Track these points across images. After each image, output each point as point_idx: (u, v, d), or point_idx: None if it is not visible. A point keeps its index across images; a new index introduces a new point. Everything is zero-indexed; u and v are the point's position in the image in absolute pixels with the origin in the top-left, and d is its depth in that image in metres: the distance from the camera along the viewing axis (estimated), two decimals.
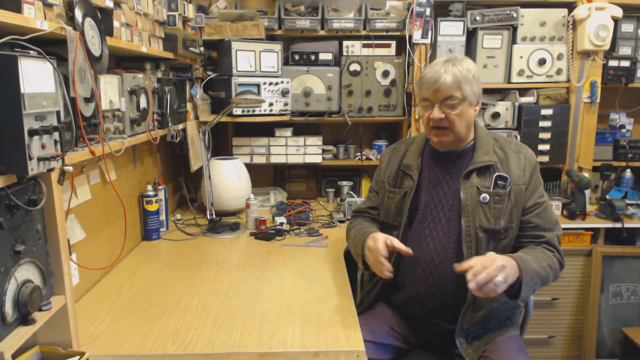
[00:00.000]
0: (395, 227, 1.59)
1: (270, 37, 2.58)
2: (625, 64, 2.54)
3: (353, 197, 2.43)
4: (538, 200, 1.48)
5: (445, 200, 1.52)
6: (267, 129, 2.65)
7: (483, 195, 1.46)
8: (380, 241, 1.43)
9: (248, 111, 2.38)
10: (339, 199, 2.60)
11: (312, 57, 2.61)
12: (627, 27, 2.55)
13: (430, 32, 2.47)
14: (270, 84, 2.41)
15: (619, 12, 2.43)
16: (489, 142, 1.53)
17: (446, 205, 1.52)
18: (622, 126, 2.82)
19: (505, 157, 1.50)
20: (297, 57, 2.61)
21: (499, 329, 1.50)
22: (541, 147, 2.54)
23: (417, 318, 1.57)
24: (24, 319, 0.97)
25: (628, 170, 2.56)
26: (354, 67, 2.61)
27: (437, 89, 1.42)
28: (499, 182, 1.47)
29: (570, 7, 2.50)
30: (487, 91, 2.65)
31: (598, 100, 2.53)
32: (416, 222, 1.55)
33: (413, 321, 1.58)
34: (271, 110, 2.44)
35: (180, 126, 2.09)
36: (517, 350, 1.44)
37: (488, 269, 1.23)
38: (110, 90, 1.42)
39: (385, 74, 2.61)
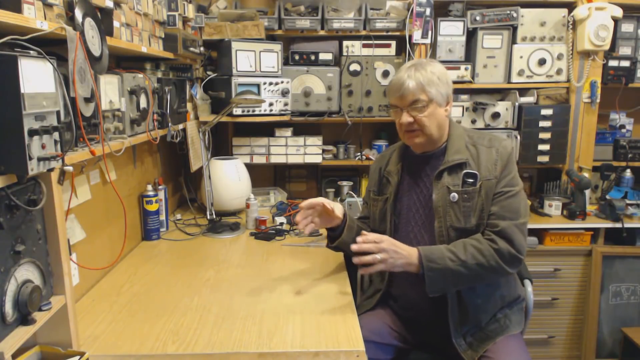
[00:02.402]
0: (383, 234, 1.59)
1: (270, 37, 2.58)
2: (625, 64, 2.54)
3: (353, 197, 2.43)
4: (503, 188, 1.45)
5: (425, 202, 1.53)
6: (267, 129, 2.64)
7: (452, 194, 1.46)
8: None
9: (248, 111, 2.38)
10: (339, 199, 2.60)
11: (312, 57, 2.61)
12: (627, 27, 2.55)
13: (430, 32, 2.47)
14: (270, 84, 2.41)
15: (619, 12, 2.43)
16: (462, 140, 1.52)
17: (426, 207, 1.52)
18: (622, 126, 2.82)
19: (477, 154, 1.49)
20: (297, 57, 2.61)
21: (499, 329, 1.49)
22: (541, 147, 2.54)
23: (415, 321, 1.57)
24: (24, 319, 0.97)
25: (628, 170, 2.56)
26: (354, 67, 2.61)
27: (402, 95, 1.45)
28: (467, 179, 1.46)
29: (570, 7, 2.51)
30: (487, 91, 2.65)
31: (598, 100, 2.53)
32: (401, 226, 1.57)
33: (412, 323, 1.58)
34: (271, 110, 2.44)
35: (180, 126, 2.09)
36: (517, 350, 1.44)
37: (374, 245, 1.36)
38: (110, 90, 1.42)
39: (385, 74, 2.61)
